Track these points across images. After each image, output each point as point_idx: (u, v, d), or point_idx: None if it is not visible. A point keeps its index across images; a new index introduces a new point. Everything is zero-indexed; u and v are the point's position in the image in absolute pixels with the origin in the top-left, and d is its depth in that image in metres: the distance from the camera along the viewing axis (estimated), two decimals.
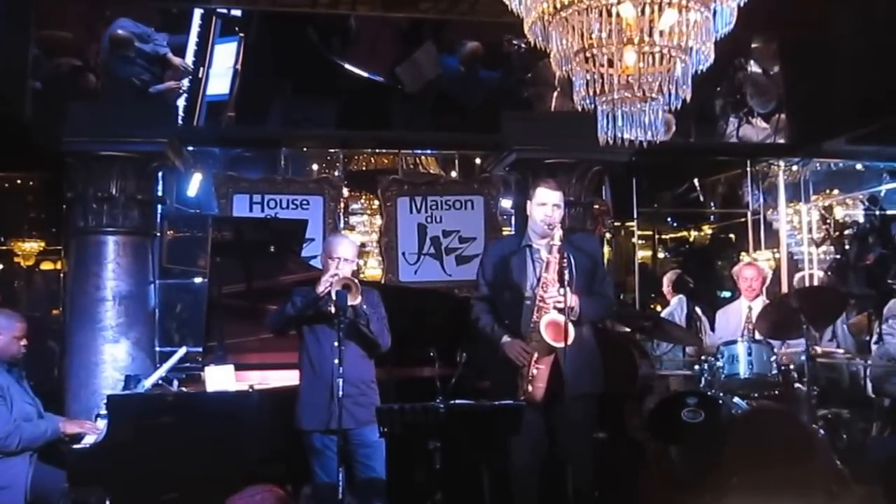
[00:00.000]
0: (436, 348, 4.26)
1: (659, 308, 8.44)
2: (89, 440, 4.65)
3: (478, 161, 8.10)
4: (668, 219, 10.88)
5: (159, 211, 7.05)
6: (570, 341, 4.05)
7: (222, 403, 4.63)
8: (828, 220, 9.09)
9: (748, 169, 8.68)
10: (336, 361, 4.09)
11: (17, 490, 4.49)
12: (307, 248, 6.15)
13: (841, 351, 6.65)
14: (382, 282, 7.34)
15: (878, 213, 9.03)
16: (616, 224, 8.65)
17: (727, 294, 8.87)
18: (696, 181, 9.81)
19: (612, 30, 3.17)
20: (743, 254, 9.19)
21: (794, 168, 8.59)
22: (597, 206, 7.44)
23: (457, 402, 3.76)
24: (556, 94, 8.31)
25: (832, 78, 7.62)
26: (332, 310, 4.15)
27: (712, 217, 10.70)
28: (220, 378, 4.76)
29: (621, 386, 5.32)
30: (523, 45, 8.29)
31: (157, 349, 6.72)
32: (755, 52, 8.79)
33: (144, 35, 7.62)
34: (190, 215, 7.56)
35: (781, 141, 8.56)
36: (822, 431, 5.36)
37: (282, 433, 4.47)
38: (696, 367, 5.83)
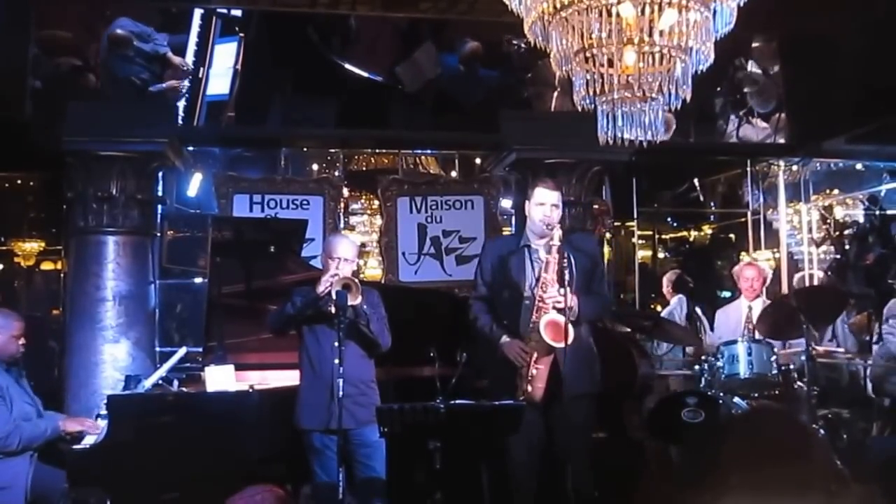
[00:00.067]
0: (436, 348, 4.25)
1: (659, 308, 8.44)
2: (89, 440, 4.65)
3: (478, 161, 8.11)
4: (668, 219, 10.88)
5: (159, 211, 7.06)
6: (569, 341, 4.05)
7: (222, 403, 4.64)
8: (828, 220, 9.10)
9: (748, 169, 8.68)
10: (336, 361, 4.09)
11: (17, 490, 4.49)
12: (307, 247, 6.15)
13: (841, 351, 6.66)
14: (382, 282, 7.34)
15: (877, 212, 9.03)
16: (616, 224, 8.65)
17: (727, 294, 8.87)
18: (696, 181, 9.81)
19: (611, 30, 3.17)
20: (743, 254, 9.19)
21: (794, 168, 8.59)
22: (597, 206, 7.44)
23: (457, 402, 3.76)
24: (556, 93, 8.31)
25: (832, 77, 7.62)
26: (332, 310, 4.15)
27: (712, 217, 10.71)
28: (220, 378, 4.76)
29: (621, 386, 5.33)
30: (523, 45, 8.30)
31: (158, 349, 6.73)
32: (755, 52, 8.79)
33: (144, 34, 7.63)
34: (190, 215, 7.56)
35: (781, 141, 8.57)
36: (822, 431, 5.36)
37: (282, 433, 4.46)
38: (696, 366, 5.83)
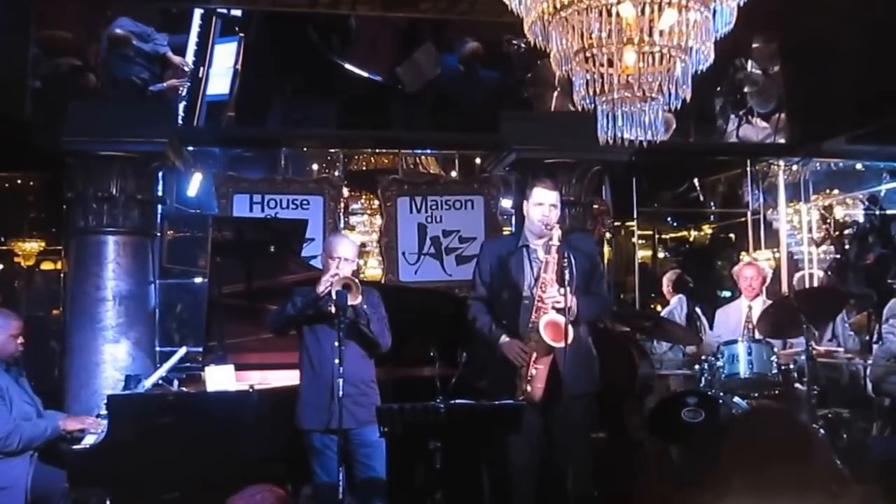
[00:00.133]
0: (436, 348, 4.25)
1: (659, 308, 8.44)
2: (89, 440, 4.65)
3: (478, 161, 8.11)
4: (668, 218, 10.88)
5: (159, 211, 7.06)
6: (568, 341, 4.05)
7: (222, 403, 4.64)
8: (828, 220, 9.10)
9: (748, 169, 8.68)
10: (336, 361, 4.09)
11: (17, 490, 4.49)
12: (307, 247, 6.15)
13: (841, 350, 6.66)
14: (382, 282, 7.34)
15: (877, 212, 9.03)
16: (616, 224, 8.66)
17: (727, 294, 8.87)
18: (696, 181, 9.81)
19: (611, 29, 3.17)
20: (743, 253, 9.19)
21: (794, 168, 8.59)
22: (597, 206, 7.45)
23: (457, 401, 3.76)
24: (556, 93, 8.32)
25: (832, 77, 7.62)
26: (333, 310, 4.15)
27: (712, 217, 10.71)
28: (221, 378, 4.76)
29: (621, 386, 5.33)
30: (523, 45, 8.31)
31: (158, 349, 6.73)
32: (755, 52, 8.79)
33: (144, 34, 7.63)
34: (190, 215, 7.56)
35: (781, 140, 8.57)
36: (822, 431, 5.36)
37: (282, 433, 4.46)
38: (696, 366, 5.83)
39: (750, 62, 8.79)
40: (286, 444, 4.49)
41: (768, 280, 6.88)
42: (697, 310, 7.19)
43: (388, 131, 7.84)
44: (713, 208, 10.40)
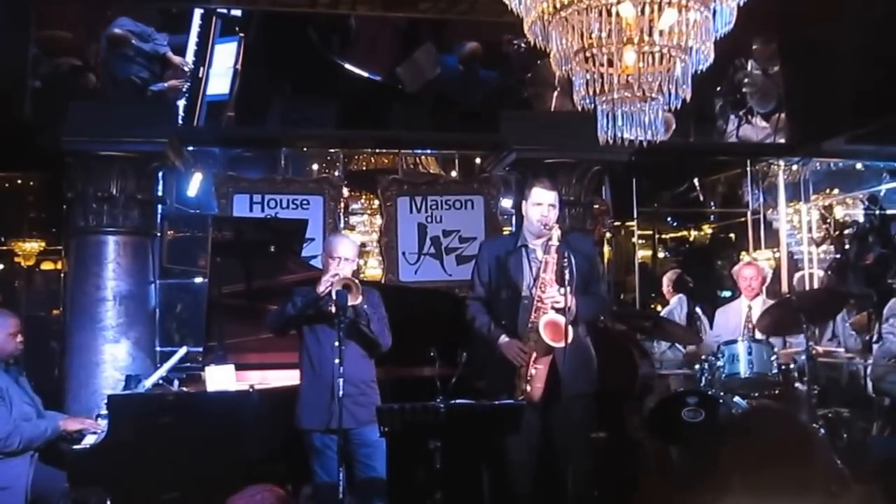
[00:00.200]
0: (436, 348, 4.26)
1: (659, 308, 8.44)
2: (89, 440, 4.65)
3: (478, 161, 8.10)
4: (668, 218, 10.88)
5: (159, 211, 7.05)
6: (568, 341, 4.06)
7: (223, 403, 4.64)
8: (828, 220, 9.10)
9: (748, 168, 8.68)
10: (336, 361, 4.09)
11: (17, 490, 4.48)
12: (307, 247, 6.15)
13: (841, 350, 6.66)
14: (382, 282, 7.34)
15: (877, 212, 9.03)
16: (616, 224, 8.66)
17: (727, 293, 8.88)
18: (695, 181, 9.82)
19: (611, 29, 3.17)
20: (743, 253, 9.19)
21: (794, 168, 8.60)
22: (596, 206, 7.45)
23: (457, 401, 3.76)
24: (556, 93, 8.32)
25: (832, 77, 7.62)
26: (333, 310, 4.15)
27: (712, 217, 10.71)
28: (221, 378, 4.76)
29: (621, 386, 5.33)
30: (523, 45, 8.31)
31: (158, 349, 6.73)
32: (755, 52, 8.79)
33: (144, 34, 7.63)
34: (190, 215, 7.56)
35: (781, 140, 8.57)
36: (822, 431, 5.37)
37: (282, 433, 4.47)
38: (696, 366, 5.83)
39: (750, 62, 8.79)
40: (286, 444, 4.50)
41: (768, 280, 6.88)
42: (698, 310, 7.20)
43: (388, 131, 7.83)
44: (713, 208, 10.40)
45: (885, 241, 8.86)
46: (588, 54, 3.27)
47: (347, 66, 8.61)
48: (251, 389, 4.63)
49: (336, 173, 7.77)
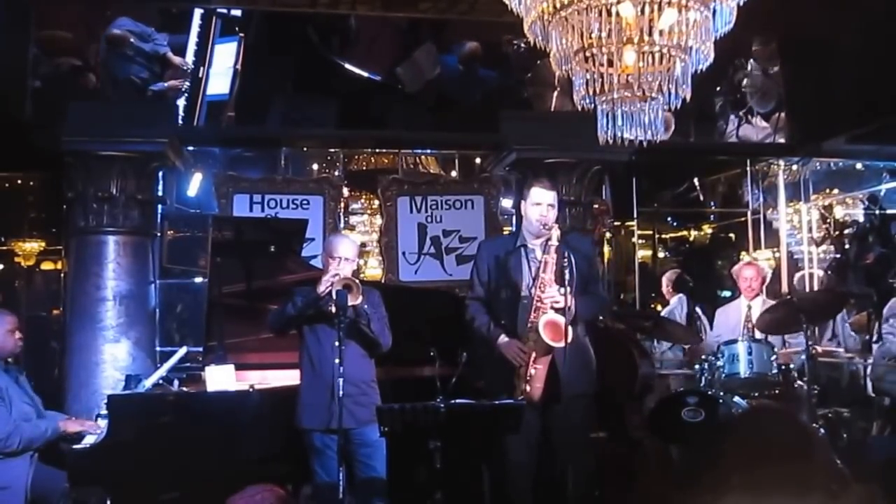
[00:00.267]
0: (436, 348, 4.26)
1: (659, 308, 8.44)
2: (90, 440, 4.65)
3: (478, 161, 8.10)
4: (668, 218, 10.88)
5: (159, 211, 7.06)
6: (568, 341, 4.06)
7: (223, 403, 4.64)
8: (828, 220, 9.10)
9: (748, 168, 8.68)
10: (336, 361, 4.09)
11: (17, 490, 4.48)
12: (307, 247, 6.15)
13: (841, 350, 6.66)
14: (382, 281, 7.34)
15: (877, 212, 9.03)
16: (616, 224, 8.66)
17: (727, 293, 8.88)
18: (695, 181, 9.82)
19: (611, 29, 3.17)
20: (743, 253, 9.19)
21: (794, 167, 8.60)
22: (597, 206, 7.45)
23: (457, 401, 3.76)
24: (555, 93, 8.31)
25: (832, 77, 7.63)
26: (333, 309, 4.15)
27: (712, 216, 10.71)
28: (221, 378, 4.76)
29: (622, 385, 5.33)
30: (523, 45, 8.30)
31: (158, 349, 6.73)
32: (755, 52, 8.79)
33: (144, 34, 7.63)
34: (190, 215, 7.56)
35: (781, 140, 8.57)
36: (822, 430, 5.37)
37: (282, 433, 4.47)
38: (696, 366, 5.83)
39: (750, 62, 8.80)
40: (286, 444, 4.49)
41: (767, 280, 6.88)
42: (698, 310, 7.20)
43: (388, 131, 7.84)
44: (713, 208, 10.40)
45: (885, 240, 8.86)
46: (588, 54, 3.27)
47: (347, 66, 8.60)
48: (251, 389, 4.63)
49: (336, 173, 7.77)
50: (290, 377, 4.71)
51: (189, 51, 8.12)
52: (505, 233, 7.35)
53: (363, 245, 8.09)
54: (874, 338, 6.73)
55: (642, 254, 9.91)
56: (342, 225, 7.62)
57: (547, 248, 4.26)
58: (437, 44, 8.81)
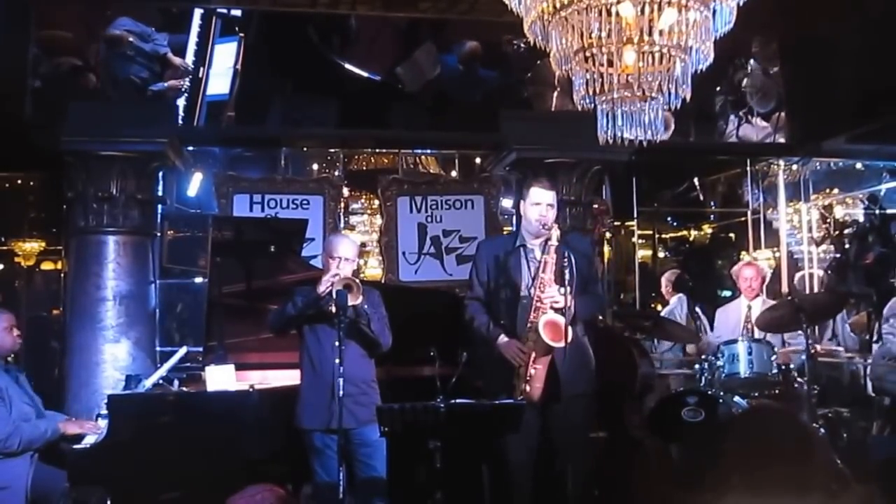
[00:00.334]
0: (436, 348, 4.26)
1: (659, 307, 8.44)
2: (90, 440, 4.65)
3: (478, 161, 8.10)
4: (668, 218, 10.88)
5: (159, 211, 7.05)
6: (567, 341, 4.06)
7: (223, 403, 4.64)
8: (828, 219, 9.10)
9: (748, 168, 8.68)
10: (337, 361, 4.09)
11: (17, 490, 4.48)
12: (307, 247, 6.15)
13: (841, 350, 6.66)
14: (382, 281, 7.34)
15: (877, 211, 9.03)
16: (616, 223, 8.66)
17: (727, 293, 8.88)
18: (695, 180, 9.82)
19: (611, 29, 3.17)
20: (743, 253, 9.19)
21: (794, 167, 8.60)
22: (596, 206, 7.45)
23: (457, 401, 3.76)
24: (555, 93, 8.32)
25: (832, 77, 7.63)
26: (333, 309, 4.15)
27: (712, 216, 10.71)
28: (221, 378, 4.76)
29: (621, 385, 5.33)
30: (523, 45, 8.31)
31: (158, 349, 6.73)
32: (756, 52, 8.80)
33: (144, 34, 7.63)
34: (190, 215, 7.56)
35: (781, 140, 8.57)
36: (822, 430, 5.36)
37: (282, 433, 4.46)
38: (696, 365, 5.83)
39: (751, 61, 8.80)
40: (286, 444, 4.49)
41: (767, 279, 6.88)
42: (697, 309, 7.20)
43: (388, 131, 7.84)
44: (713, 208, 10.41)
45: (885, 240, 8.86)
46: (588, 54, 3.27)
47: (347, 65, 8.61)
48: (251, 389, 4.63)
49: (336, 173, 7.77)
50: (290, 377, 4.71)
51: (189, 51, 8.12)
52: (505, 233, 7.36)
53: (363, 245, 8.09)
54: (874, 338, 6.73)
55: (642, 254, 9.92)
56: (342, 225, 7.62)
57: (547, 247, 4.26)
58: (437, 44, 8.81)
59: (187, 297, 7.43)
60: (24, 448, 4.55)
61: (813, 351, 5.56)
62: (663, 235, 10.94)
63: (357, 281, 4.30)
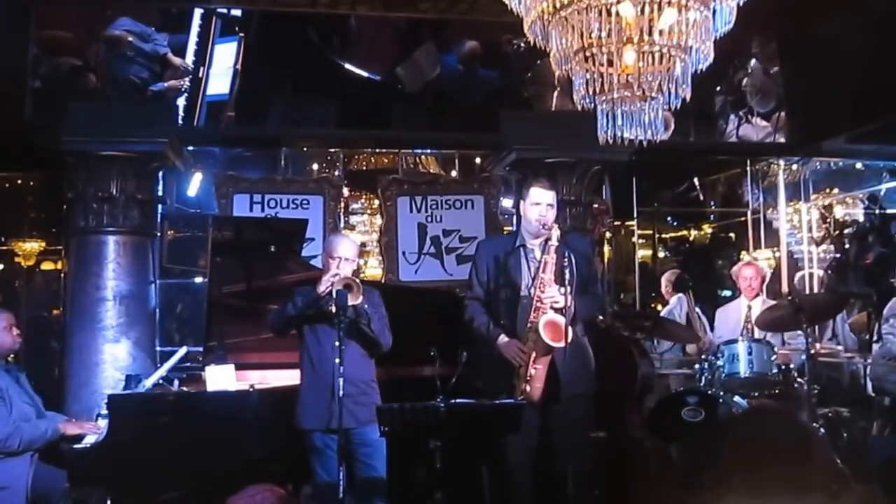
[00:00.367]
0: (436, 348, 4.26)
1: (659, 307, 8.44)
2: (90, 440, 4.65)
3: (478, 161, 8.11)
4: (668, 218, 10.88)
5: (159, 211, 7.06)
6: (568, 341, 4.06)
7: (223, 403, 4.64)
8: (828, 219, 9.10)
9: (748, 168, 8.68)
10: (337, 361, 4.09)
11: (17, 490, 4.48)
12: (307, 247, 6.15)
13: (841, 350, 6.66)
14: (382, 281, 7.34)
15: (877, 211, 9.04)
16: (616, 223, 8.66)
17: (728, 293, 8.88)
18: (695, 180, 9.82)
19: (611, 29, 3.17)
20: (743, 253, 9.20)
21: (794, 167, 8.60)
22: (596, 206, 7.45)
23: (457, 401, 3.76)
24: (556, 93, 8.32)
25: (832, 77, 7.63)
26: (333, 309, 4.15)
27: (712, 216, 10.71)
28: (221, 378, 4.76)
29: (621, 385, 5.33)
30: (523, 45, 8.30)
31: (158, 349, 6.73)
32: (757, 52, 8.80)
33: (144, 34, 7.63)
34: (190, 215, 7.57)
35: (781, 140, 8.57)
36: (822, 430, 5.37)
37: (282, 433, 4.46)
38: (696, 365, 5.83)
39: (752, 61, 8.80)
40: (286, 444, 4.49)
41: (767, 279, 6.88)
42: (697, 309, 7.19)
43: (388, 131, 7.83)
44: (713, 208, 10.41)
45: (885, 240, 8.86)
46: (588, 54, 3.27)
47: (347, 66, 8.61)
48: (251, 389, 4.63)
49: (336, 173, 7.77)
50: (290, 377, 4.71)
51: (189, 51, 8.13)
52: (505, 233, 7.36)
53: (363, 245, 8.09)
54: (874, 338, 6.73)
55: (642, 254, 9.91)
56: (342, 225, 7.62)
57: (547, 248, 4.26)
58: (437, 44, 8.81)
59: (187, 297, 7.43)
60: (25, 448, 4.55)
61: (813, 351, 5.56)
62: (663, 235, 10.94)
63: (357, 281, 4.30)
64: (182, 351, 5.31)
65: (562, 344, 4.06)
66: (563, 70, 3.45)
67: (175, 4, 8.33)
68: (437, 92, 8.67)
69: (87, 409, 5.79)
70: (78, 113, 6.49)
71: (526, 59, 8.59)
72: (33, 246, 8.85)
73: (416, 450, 3.93)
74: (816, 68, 7.81)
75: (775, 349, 5.68)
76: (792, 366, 5.83)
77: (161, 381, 4.93)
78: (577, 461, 4.26)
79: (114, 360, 6.41)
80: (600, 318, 5.79)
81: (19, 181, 8.59)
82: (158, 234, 7.04)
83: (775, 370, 5.56)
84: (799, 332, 5.65)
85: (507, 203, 7.79)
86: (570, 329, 4.07)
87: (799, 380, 5.71)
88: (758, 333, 5.90)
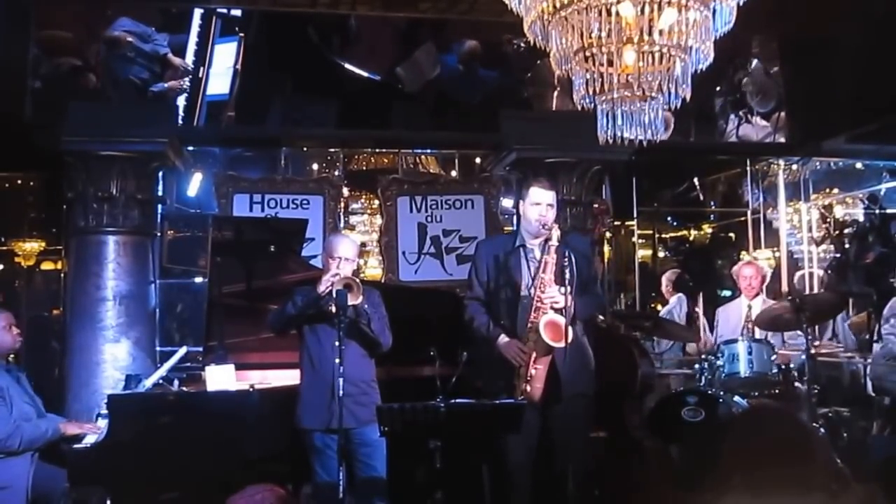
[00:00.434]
0: (436, 348, 4.26)
1: (659, 307, 8.44)
2: (90, 440, 4.65)
3: (478, 160, 8.11)
4: (668, 218, 10.89)
5: (159, 211, 7.06)
6: (568, 341, 4.06)
7: (223, 403, 4.64)
8: (828, 219, 9.10)
9: (748, 168, 8.68)
10: (337, 361, 4.09)
11: (18, 490, 4.48)
12: (307, 247, 6.15)
13: (841, 349, 6.66)
14: (382, 281, 7.34)
15: (877, 211, 9.04)
16: (616, 223, 8.67)
17: (728, 293, 8.88)
18: (695, 180, 9.82)
19: (611, 29, 3.17)
20: (743, 253, 9.20)
21: (794, 167, 8.60)
22: (596, 206, 7.45)
23: (457, 401, 3.76)
24: (556, 93, 8.32)
25: (832, 77, 7.63)
26: (333, 309, 4.15)
27: (712, 216, 10.72)
28: (221, 377, 4.76)
29: (621, 385, 5.33)
30: (523, 45, 8.31)
31: (158, 349, 6.73)
32: (755, 52, 8.80)
33: (144, 34, 7.63)
34: (190, 215, 7.57)
35: (781, 140, 8.57)
36: (822, 430, 5.37)
37: (282, 433, 4.46)
38: (696, 365, 5.83)
39: (753, 61, 8.80)
40: (286, 443, 4.49)
41: (767, 279, 6.88)
42: (697, 309, 7.19)
43: (388, 131, 7.84)
44: (713, 208, 10.41)
45: (885, 240, 8.86)
46: (588, 54, 3.27)
47: (347, 65, 8.61)
48: (251, 389, 4.63)
49: (336, 173, 7.77)
50: (290, 377, 4.71)
51: (189, 51, 8.13)
52: (505, 233, 7.35)
53: (363, 245, 8.08)
54: (874, 337, 6.73)
55: (642, 253, 9.92)
56: (342, 225, 7.62)
57: (547, 247, 4.26)
58: (437, 44, 8.82)
59: (187, 297, 7.43)
60: (25, 448, 4.55)
61: (813, 351, 5.56)
62: (663, 235, 10.94)
63: (357, 281, 4.30)
64: (182, 351, 5.31)
65: (562, 344, 4.06)
66: (563, 70, 3.45)
67: (175, 4, 8.33)
68: (438, 92, 8.67)
69: (87, 409, 5.79)
70: (78, 113, 6.48)
71: (526, 59, 8.59)
72: (33, 246, 8.85)
73: (416, 450, 3.93)
74: (816, 68, 7.82)
75: (775, 349, 5.68)
76: (792, 366, 5.83)
77: (161, 381, 4.93)
78: (578, 461, 4.26)
79: (114, 360, 6.41)
80: (600, 318, 5.78)
81: (19, 181, 8.59)
82: (158, 234, 7.04)
83: (775, 370, 5.56)
84: (799, 332, 5.65)
85: (507, 203, 7.79)
86: (570, 329, 4.07)
87: (799, 380, 5.71)
88: (758, 333, 5.90)
